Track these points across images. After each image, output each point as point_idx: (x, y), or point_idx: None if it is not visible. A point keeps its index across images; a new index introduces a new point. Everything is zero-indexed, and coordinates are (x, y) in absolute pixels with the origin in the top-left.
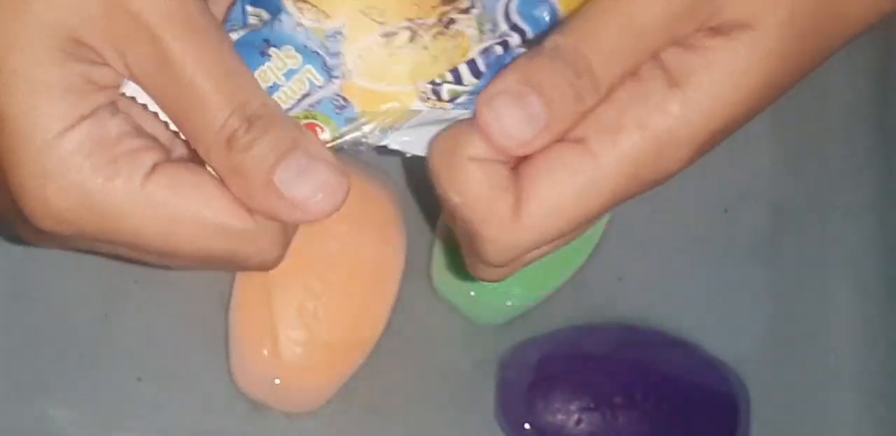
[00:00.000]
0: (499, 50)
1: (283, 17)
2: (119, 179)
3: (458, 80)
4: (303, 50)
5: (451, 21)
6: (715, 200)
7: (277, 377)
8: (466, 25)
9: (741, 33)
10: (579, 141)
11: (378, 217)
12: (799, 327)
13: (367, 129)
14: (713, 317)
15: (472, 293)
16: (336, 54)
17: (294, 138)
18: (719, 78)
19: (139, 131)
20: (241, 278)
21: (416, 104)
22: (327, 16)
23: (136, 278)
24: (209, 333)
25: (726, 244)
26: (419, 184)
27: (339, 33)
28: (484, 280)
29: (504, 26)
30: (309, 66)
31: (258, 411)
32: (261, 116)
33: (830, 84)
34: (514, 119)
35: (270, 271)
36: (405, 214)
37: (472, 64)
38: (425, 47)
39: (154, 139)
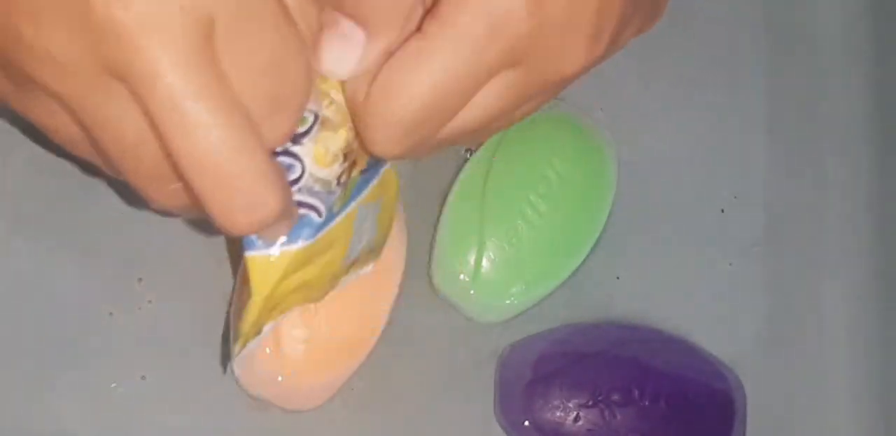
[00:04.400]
0: None
1: None
2: None
3: None
4: None
5: None
6: (711, 201)
7: (279, 375)
8: None
9: None
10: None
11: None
12: (795, 326)
13: None
14: (710, 315)
15: (472, 292)
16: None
17: None
18: None
19: None
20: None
21: None
22: None
23: (141, 276)
24: (212, 330)
25: (723, 244)
26: (419, 184)
27: None
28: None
29: None
30: None
31: (261, 408)
32: None
33: (826, 85)
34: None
35: None
36: (405, 214)
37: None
38: None
39: None
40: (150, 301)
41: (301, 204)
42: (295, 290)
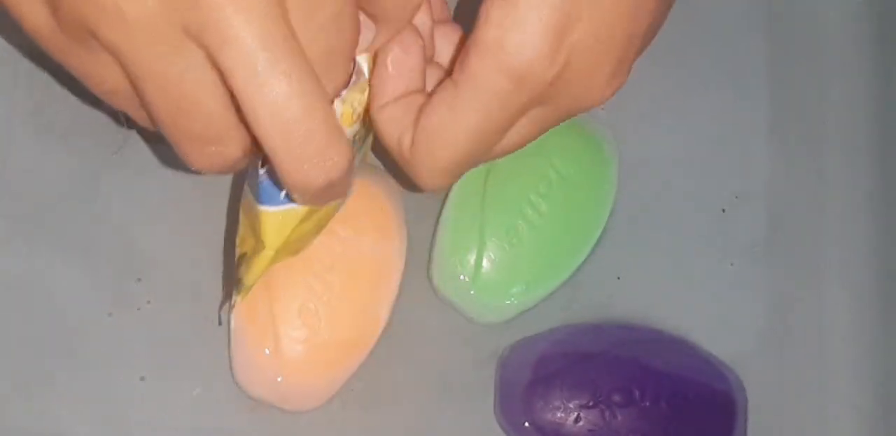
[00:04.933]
0: None
1: None
2: None
3: None
4: None
5: None
6: (712, 201)
7: (279, 376)
8: None
9: None
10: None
11: (378, 217)
12: (796, 326)
13: None
14: (711, 316)
15: (472, 292)
16: None
17: None
18: None
19: None
20: None
21: None
22: None
23: (140, 277)
24: (211, 331)
25: (724, 244)
26: None
27: None
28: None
29: None
30: None
31: (260, 409)
32: None
33: (828, 85)
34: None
35: (272, 271)
36: (405, 214)
37: None
38: None
39: None
40: (149, 302)
41: None
42: (294, 242)
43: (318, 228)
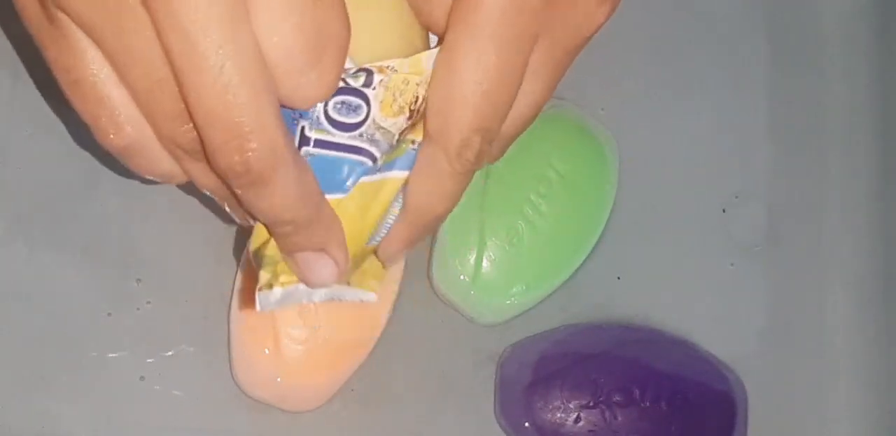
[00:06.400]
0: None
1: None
2: None
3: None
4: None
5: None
6: (713, 200)
7: (279, 376)
8: None
9: None
10: None
11: None
12: (796, 326)
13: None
14: (711, 315)
15: (472, 292)
16: None
17: None
18: None
19: None
20: (243, 277)
21: None
22: None
23: (139, 277)
24: (211, 331)
25: (724, 243)
26: None
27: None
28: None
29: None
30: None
31: (259, 409)
32: None
33: (828, 84)
34: None
35: None
36: None
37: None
38: None
39: None
40: (148, 302)
41: (356, 149)
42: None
43: (374, 226)
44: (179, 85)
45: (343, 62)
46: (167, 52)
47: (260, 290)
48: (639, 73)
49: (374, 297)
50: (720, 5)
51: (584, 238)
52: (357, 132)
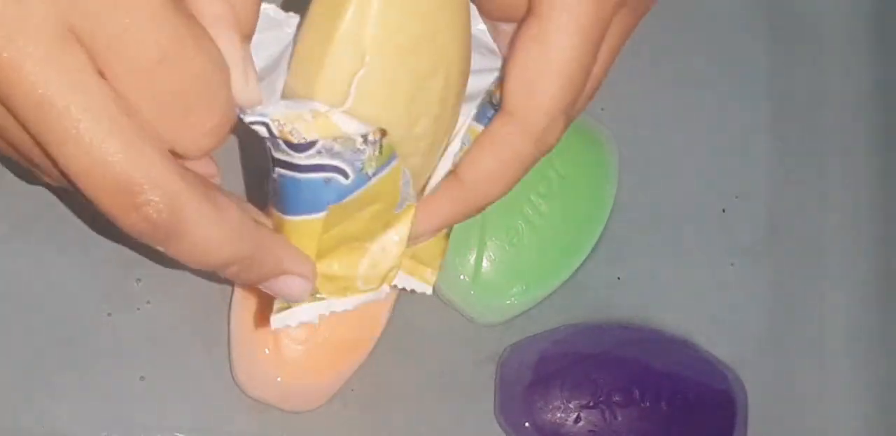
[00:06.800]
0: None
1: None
2: None
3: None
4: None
5: None
6: (713, 201)
7: (279, 376)
8: None
9: None
10: None
11: None
12: (796, 326)
13: None
14: (711, 316)
15: (472, 293)
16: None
17: None
18: None
19: None
20: None
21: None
22: None
23: (139, 277)
24: (211, 331)
25: (724, 244)
26: None
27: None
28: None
29: None
30: None
31: (259, 409)
32: None
33: (828, 85)
34: None
35: None
36: None
37: None
38: None
39: None
40: (148, 302)
41: (321, 167)
42: (339, 243)
43: (384, 223)
44: (47, 155)
45: (225, 106)
46: (24, 127)
47: (277, 311)
48: (639, 74)
49: (429, 289)
50: (720, 5)
51: (584, 238)
52: (314, 150)
